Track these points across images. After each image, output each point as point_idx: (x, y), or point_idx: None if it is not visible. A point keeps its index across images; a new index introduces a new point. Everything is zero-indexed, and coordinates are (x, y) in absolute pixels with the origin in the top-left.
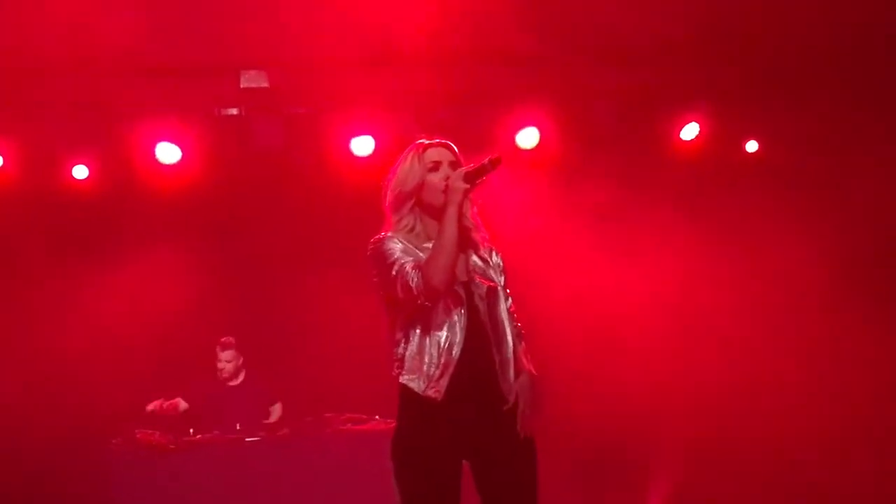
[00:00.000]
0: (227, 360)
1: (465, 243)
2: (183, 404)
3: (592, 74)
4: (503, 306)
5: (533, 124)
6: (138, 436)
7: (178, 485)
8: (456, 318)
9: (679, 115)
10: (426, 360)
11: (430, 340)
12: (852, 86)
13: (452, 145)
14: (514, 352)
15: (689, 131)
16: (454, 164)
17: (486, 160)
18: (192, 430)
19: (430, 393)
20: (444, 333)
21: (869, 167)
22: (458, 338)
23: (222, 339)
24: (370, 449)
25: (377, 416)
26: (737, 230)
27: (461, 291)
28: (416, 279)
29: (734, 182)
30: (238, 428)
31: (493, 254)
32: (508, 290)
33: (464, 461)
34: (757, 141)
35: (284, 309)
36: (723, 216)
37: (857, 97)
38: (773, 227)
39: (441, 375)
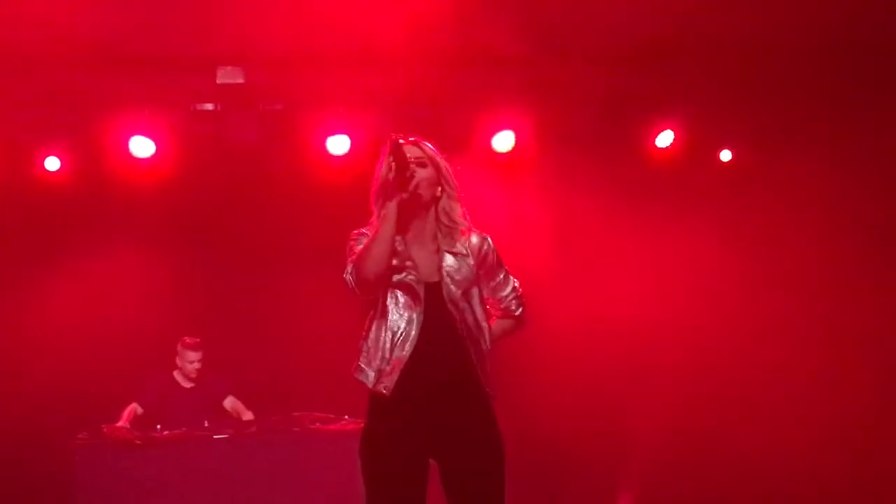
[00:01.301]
0: (197, 360)
1: (437, 242)
2: (138, 409)
3: (570, 77)
4: (476, 310)
5: (509, 127)
6: (104, 430)
7: (145, 480)
8: (413, 315)
9: (655, 122)
10: (379, 354)
11: (384, 336)
12: (833, 91)
13: (425, 143)
14: (478, 355)
15: (665, 138)
16: (421, 162)
17: (411, 167)
18: (158, 426)
19: (380, 388)
20: (398, 330)
21: (851, 171)
22: (413, 335)
23: (188, 340)
24: (338, 448)
25: (346, 416)
26: (712, 234)
27: (420, 290)
28: (349, 270)
29: (709, 188)
30: (206, 425)
31: (470, 240)
32: (500, 275)
33: (431, 460)
34: (731, 150)
35: (255, 307)
36: (697, 220)
37: (838, 101)
38: (748, 231)
39: (391, 371)
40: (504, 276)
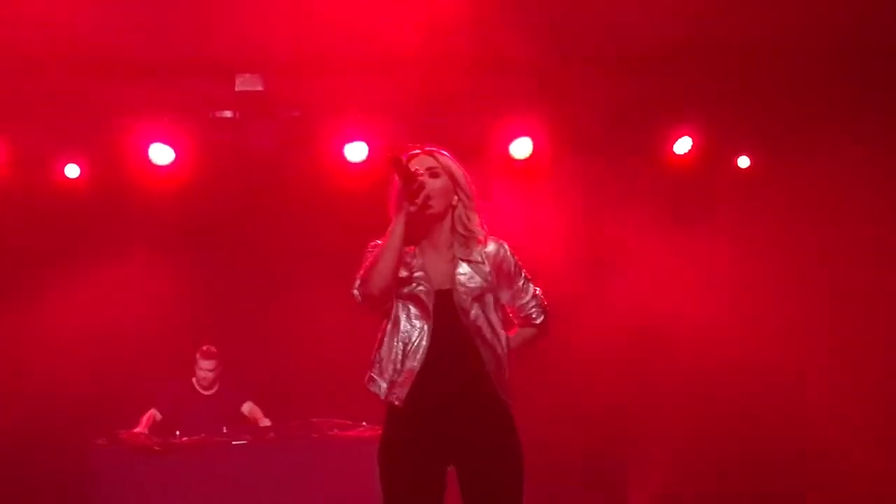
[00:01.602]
0: (209, 368)
1: (452, 251)
2: (157, 415)
3: (587, 83)
4: (490, 316)
5: (526, 133)
6: (123, 436)
7: (163, 486)
8: (424, 326)
9: (673, 128)
10: (391, 366)
11: (395, 347)
12: (848, 94)
13: (438, 152)
14: (493, 363)
15: (683, 145)
16: (434, 172)
17: (418, 180)
18: (177, 433)
19: (392, 399)
20: (409, 340)
21: (863, 177)
22: (424, 346)
23: (204, 348)
24: (356, 455)
25: (364, 423)
26: (731, 239)
27: (430, 300)
28: (356, 284)
29: (727, 194)
30: (224, 431)
31: (487, 247)
32: (518, 282)
33: (450, 467)
34: (749, 156)
35: (274, 314)
36: (714, 227)
37: (854, 104)
38: (766, 236)
39: (403, 382)
40: (524, 283)
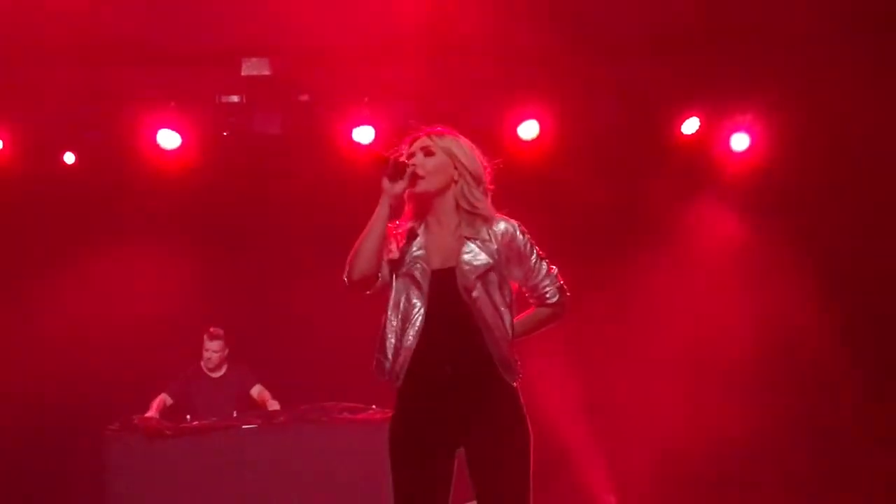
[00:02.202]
0: (214, 350)
1: (460, 230)
2: (168, 400)
3: (595, 67)
4: (494, 296)
5: (533, 116)
6: (135, 421)
7: (174, 469)
8: (420, 305)
9: (680, 109)
10: (391, 345)
11: (391, 327)
12: (859, 75)
13: (439, 132)
14: (494, 343)
15: (690, 125)
16: (427, 151)
17: (390, 160)
18: (188, 417)
19: (393, 379)
20: (407, 320)
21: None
22: (419, 325)
23: (211, 329)
24: (366, 438)
25: (374, 406)
26: (734, 226)
27: (426, 279)
28: (346, 268)
29: (732, 177)
30: (235, 415)
31: (497, 226)
32: (530, 262)
33: (459, 449)
34: (750, 136)
35: (282, 298)
36: (718, 212)
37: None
38: (771, 223)
39: (403, 361)
40: (536, 263)
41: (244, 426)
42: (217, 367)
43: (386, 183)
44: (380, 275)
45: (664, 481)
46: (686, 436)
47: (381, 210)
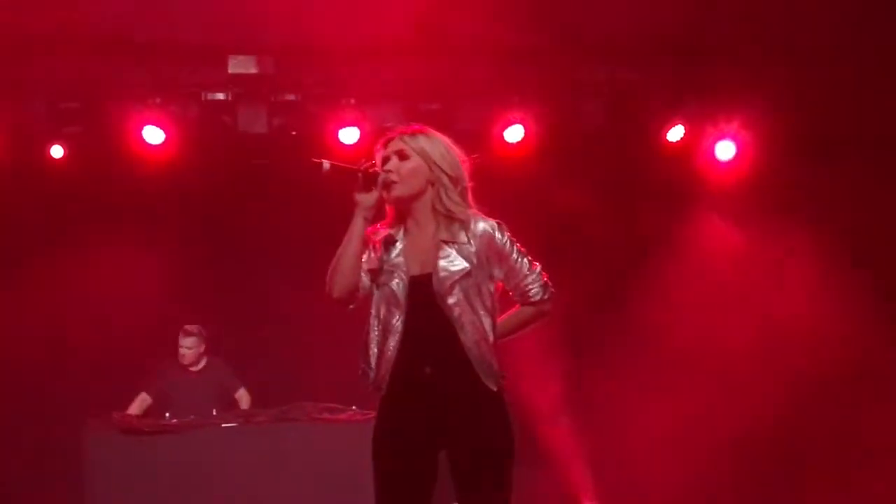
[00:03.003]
0: (188, 346)
1: (437, 233)
2: (147, 399)
3: (582, 70)
4: (473, 301)
5: (519, 119)
6: (114, 417)
7: (153, 468)
8: (399, 312)
9: (666, 116)
10: (373, 354)
11: (373, 336)
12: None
13: (411, 132)
14: (473, 347)
15: (675, 133)
16: (402, 154)
17: (359, 173)
18: (167, 415)
19: (376, 387)
20: (387, 327)
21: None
22: (398, 333)
23: (185, 326)
24: (346, 439)
25: (354, 407)
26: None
27: (403, 288)
28: (327, 285)
29: (719, 182)
30: (214, 413)
31: (476, 227)
32: (511, 261)
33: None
34: (734, 143)
35: (264, 297)
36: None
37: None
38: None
39: (384, 370)
40: (518, 261)
41: (224, 424)
42: (194, 363)
43: (359, 196)
44: (361, 286)
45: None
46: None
47: (356, 226)
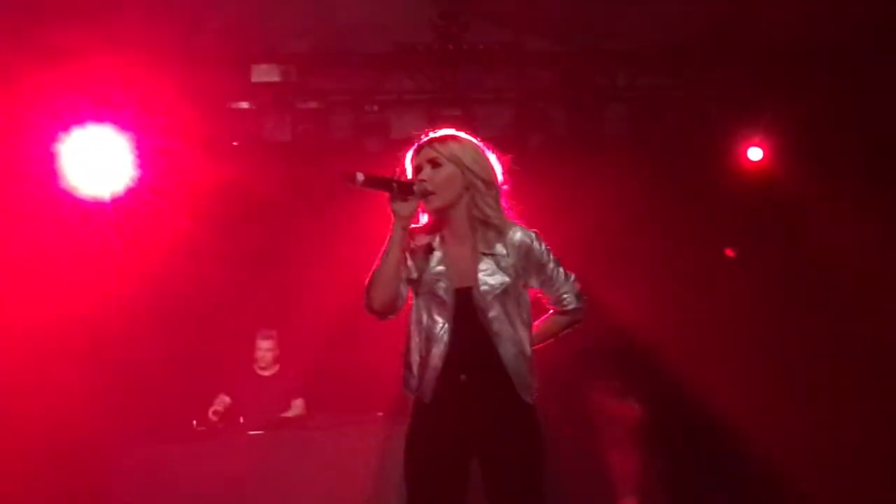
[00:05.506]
0: (266, 348)
1: (474, 243)
2: (227, 399)
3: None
4: (511, 314)
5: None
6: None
7: (180, 476)
8: (444, 323)
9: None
10: (416, 365)
11: (415, 344)
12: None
13: (442, 140)
14: (513, 360)
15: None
16: (435, 162)
17: (394, 183)
18: (241, 419)
19: (421, 397)
20: (432, 337)
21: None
22: (444, 343)
23: (262, 330)
24: (369, 446)
25: (380, 413)
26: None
27: (450, 298)
28: (364, 297)
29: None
30: (241, 421)
31: (513, 237)
32: (548, 271)
33: (473, 461)
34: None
35: (289, 306)
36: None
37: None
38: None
39: (429, 379)
40: (554, 271)
41: (250, 432)
42: (269, 366)
43: (396, 206)
44: (400, 296)
45: None
46: None
47: (395, 236)
